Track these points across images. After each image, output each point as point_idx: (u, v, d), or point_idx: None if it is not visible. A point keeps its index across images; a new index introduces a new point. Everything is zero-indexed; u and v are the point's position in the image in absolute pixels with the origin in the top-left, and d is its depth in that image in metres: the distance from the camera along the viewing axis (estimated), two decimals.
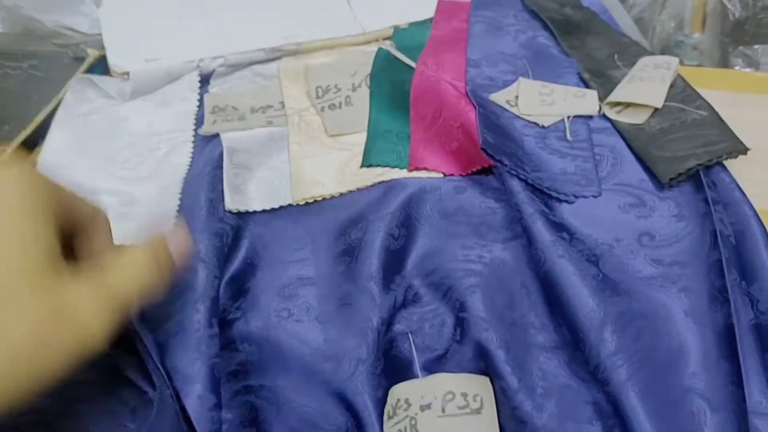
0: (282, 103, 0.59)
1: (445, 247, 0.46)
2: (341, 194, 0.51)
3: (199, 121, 0.58)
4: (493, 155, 0.48)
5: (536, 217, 0.45)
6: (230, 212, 0.49)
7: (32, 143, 0.57)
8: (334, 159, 0.53)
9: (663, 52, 0.71)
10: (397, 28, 0.68)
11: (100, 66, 0.65)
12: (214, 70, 0.63)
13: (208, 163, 0.52)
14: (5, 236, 0.28)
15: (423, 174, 0.51)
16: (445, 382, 0.39)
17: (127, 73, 0.61)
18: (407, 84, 0.57)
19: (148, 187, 0.52)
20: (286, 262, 0.47)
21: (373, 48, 0.62)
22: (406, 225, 0.47)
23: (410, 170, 0.51)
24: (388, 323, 0.43)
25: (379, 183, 0.50)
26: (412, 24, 0.69)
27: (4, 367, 0.26)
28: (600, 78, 0.57)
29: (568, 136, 0.52)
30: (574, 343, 0.41)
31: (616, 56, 0.59)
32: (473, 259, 0.45)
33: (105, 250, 0.34)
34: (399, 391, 0.39)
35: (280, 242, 0.48)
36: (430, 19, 0.69)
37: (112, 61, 0.62)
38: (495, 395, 0.39)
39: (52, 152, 0.54)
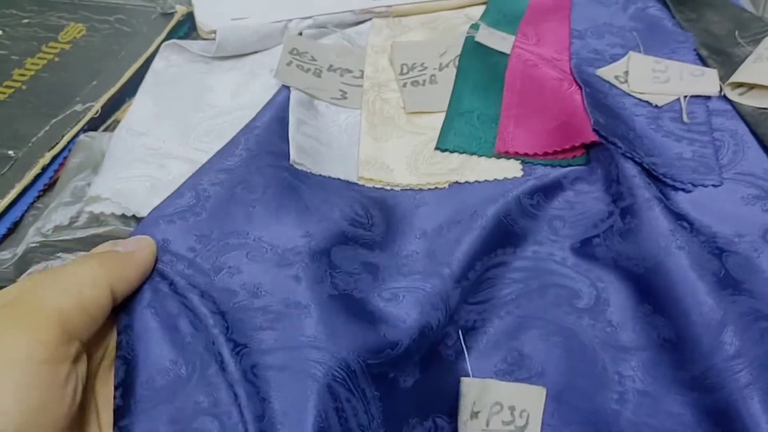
0: (362, 71, 0.56)
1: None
2: (410, 187, 0.47)
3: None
4: (606, 137, 0.44)
5: (654, 203, 0.41)
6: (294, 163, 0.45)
7: (120, 101, 0.56)
8: (407, 143, 0.50)
9: None
10: None
11: (188, 22, 0.63)
12: (301, 33, 0.61)
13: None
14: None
15: (498, 173, 0.46)
16: (498, 389, 0.38)
17: (214, 32, 0.59)
18: (501, 66, 0.53)
19: None
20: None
21: (467, 23, 0.58)
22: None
23: (497, 151, 0.47)
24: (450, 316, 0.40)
25: (454, 183, 0.46)
26: None
27: None
28: (719, 56, 0.52)
29: (685, 118, 0.48)
30: (666, 344, 0.39)
31: (737, 32, 0.54)
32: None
33: None
34: (467, 386, 0.38)
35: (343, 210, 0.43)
36: None
37: (200, 18, 0.61)
38: None
39: (135, 119, 0.53)
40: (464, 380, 0.39)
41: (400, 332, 0.37)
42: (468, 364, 0.39)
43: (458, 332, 0.40)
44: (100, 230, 0.47)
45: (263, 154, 0.44)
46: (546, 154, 0.47)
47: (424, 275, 0.40)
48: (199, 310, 0.35)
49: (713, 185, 0.44)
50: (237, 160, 0.43)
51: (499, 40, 0.55)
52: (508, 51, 0.54)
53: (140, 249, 0.36)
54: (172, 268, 0.36)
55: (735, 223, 0.42)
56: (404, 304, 0.38)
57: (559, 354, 0.40)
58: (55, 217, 0.47)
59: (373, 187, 0.47)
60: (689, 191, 0.44)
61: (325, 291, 0.38)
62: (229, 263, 0.38)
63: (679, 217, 0.42)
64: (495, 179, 0.46)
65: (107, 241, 0.47)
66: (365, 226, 0.43)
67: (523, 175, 0.46)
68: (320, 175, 0.45)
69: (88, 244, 0.46)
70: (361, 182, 0.47)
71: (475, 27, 0.57)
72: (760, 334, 0.37)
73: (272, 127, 0.47)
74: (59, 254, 0.46)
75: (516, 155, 0.47)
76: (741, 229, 0.42)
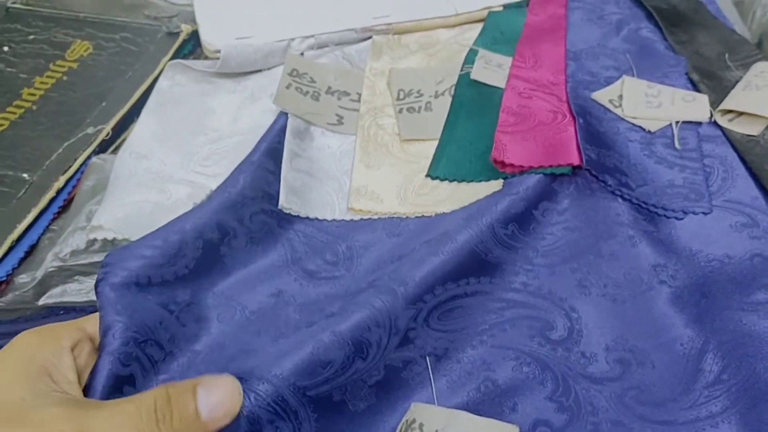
0: (359, 94, 0.58)
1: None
2: (397, 215, 0.49)
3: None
4: (597, 175, 0.46)
5: (637, 240, 0.44)
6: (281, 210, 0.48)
7: (128, 121, 0.57)
8: (400, 172, 0.52)
9: (762, 39, 0.67)
10: (491, 11, 0.66)
11: (192, 41, 0.64)
12: (303, 53, 0.62)
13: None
14: None
15: (489, 190, 0.47)
16: (468, 424, 0.36)
17: (219, 51, 0.60)
18: (496, 96, 0.55)
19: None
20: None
21: (465, 51, 0.60)
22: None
23: (493, 158, 0.48)
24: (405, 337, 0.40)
25: (439, 215, 0.48)
26: (506, 6, 0.66)
27: None
28: (711, 80, 0.55)
29: (677, 144, 0.50)
30: (642, 375, 0.39)
31: (726, 55, 0.56)
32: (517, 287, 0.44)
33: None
34: (419, 411, 0.37)
35: (319, 253, 0.47)
36: (525, 2, 0.67)
37: (205, 38, 0.62)
38: None
39: (139, 141, 0.55)
40: (417, 406, 0.38)
41: (332, 351, 0.36)
42: (434, 392, 0.39)
43: (426, 359, 0.40)
44: None
45: (256, 199, 0.47)
46: (532, 167, 0.48)
47: (376, 291, 0.40)
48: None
49: (703, 212, 0.46)
50: (226, 202, 0.46)
51: (495, 71, 0.57)
52: (503, 86, 0.56)
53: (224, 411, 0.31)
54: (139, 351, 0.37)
55: (724, 246, 0.44)
56: (344, 320, 0.38)
57: (533, 386, 0.40)
58: (71, 241, 0.49)
59: (361, 219, 0.49)
60: (680, 219, 0.46)
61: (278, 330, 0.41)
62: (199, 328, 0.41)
63: (665, 247, 0.44)
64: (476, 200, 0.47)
65: None
66: (337, 271, 0.45)
67: (501, 189, 0.47)
68: (307, 217, 0.48)
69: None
70: (349, 215, 0.49)
71: (471, 56, 0.58)
72: (739, 360, 0.39)
73: (264, 165, 0.49)
74: (76, 277, 0.48)
75: (511, 166, 0.48)
76: (729, 251, 0.44)
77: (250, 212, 0.46)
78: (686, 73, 0.56)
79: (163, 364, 0.38)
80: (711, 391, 0.38)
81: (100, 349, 0.36)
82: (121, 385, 0.35)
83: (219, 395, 0.30)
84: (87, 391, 0.34)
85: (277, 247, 0.47)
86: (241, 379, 0.33)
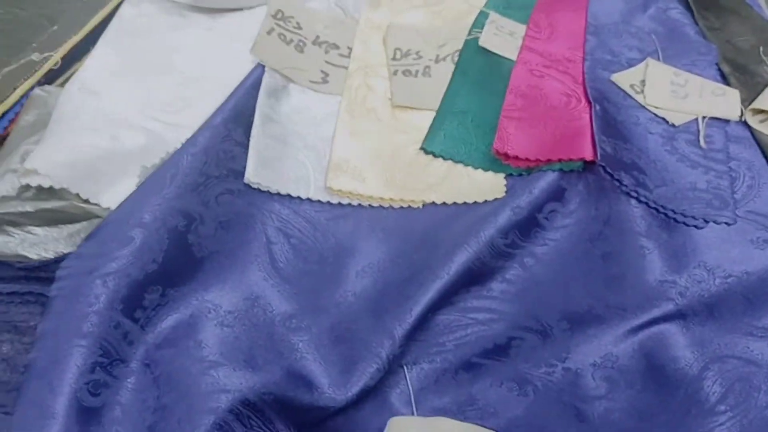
0: (350, 49, 0.51)
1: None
2: (381, 203, 0.44)
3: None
4: (612, 173, 0.42)
5: (647, 250, 0.40)
6: (248, 185, 0.42)
7: (83, 50, 0.50)
8: (387, 143, 0.46)
9: None
10: None
11: None
12: None
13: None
14: None
15: (478, 195, 0.43)
16: (448, 428, 0.36)
17: None
18: (505, 67, 0.49)
19: (182, 137, 0.44)
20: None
21: (473, 13, 0.53)
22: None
23: (495, 149, 0.44)
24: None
25: (429, 204, 0.44)
26: None
27: None
28: (743, 74, 0.49)
29: (702, 143, 0.45)
30: (635, 394, 0.38)
31: (761, 49, 0.51)
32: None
33: None
34: (397, 425, 0.36)
35: (297, 250, 0.42)
36: None
37: None
38: None
39: (91, 74, 0.47)
40: (395, 420, 0.36)
41: (337, 400, 0.36)
42: (412, 402, 0.38)
43: (404, 371, 0.38)
44: (50, 204, 0.42)
45: (220, 178, 0.42)
46: (539, 161, 0.44)
47: (371, 332, 0.38)
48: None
49: (726, 223, 0.41)
50: (187, 184, 0.40)
51: (506, 40, 0.51)
52: (514, 57, 0.50)
53: None
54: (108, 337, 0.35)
55: (742, 262, 0.40)
56: (346, 370, 0.37)
57: (513, 398, 0.38)
58: (1, 185, 0.42)
59: (339, 203, 0.43)
60: (701, 227, 0.41)
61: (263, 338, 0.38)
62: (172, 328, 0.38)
63: (678, 261, 0.40)
64: (475, 202, 0.43)
65: (58, 216, 0.43)
66: (319, 279, 0.41)
67: (505, 196, 0.43)
68: (278, 193, 0.43)
69: (37, 218, 0.41)
70: (327, 194, 0.43)
71: (481, 19, 0.52)
72: (743, 391, 0.36)
73: (231, 134, 0.44)
74: (4, 227, 0.41)
75: (515, 159, 0.44)
76: (749, 267, 0.40)
77: (215, 194, 0.41)
78: (716, 63, 0.50)
79: (131, 375, 0.36)
80: (703, 421, 0.35)
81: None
82: (89, 416, 0.33)
83: None
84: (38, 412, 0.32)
85: (249, 236, 0.42)
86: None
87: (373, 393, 0.37)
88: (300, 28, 0.51)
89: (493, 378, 0.39)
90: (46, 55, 0.47)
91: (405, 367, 0.39)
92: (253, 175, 0.42)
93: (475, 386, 0.38)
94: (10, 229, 0.41)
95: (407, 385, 0.38)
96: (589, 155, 0.42)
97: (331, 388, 0.36)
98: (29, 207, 0.41)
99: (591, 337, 0.39)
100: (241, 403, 0.34)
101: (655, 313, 0.38)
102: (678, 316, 0.38)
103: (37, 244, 0.41)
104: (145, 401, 0.35)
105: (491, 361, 0.39)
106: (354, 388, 0.36)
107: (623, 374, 0.38)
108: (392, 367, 0.38)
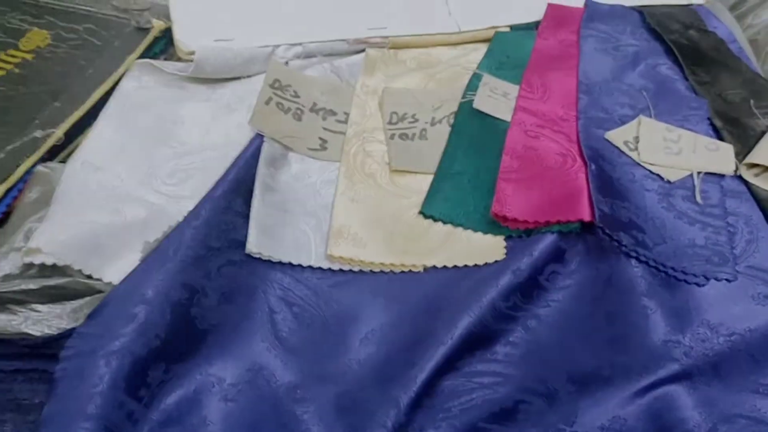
0: (347, 115, 0.52)
1: None
2: (382, 269, 0.44)
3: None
4: (610, 234, 0.42)
5: (650, 310, 0.40)
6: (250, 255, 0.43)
7: (84, 125, 0.50)
8: (387, 208, 0.46)
9: None
10: (497, 31, 0.60)
11: (165, 39, 0.58)
12: (287, 63, 0.56)
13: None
14: None
15: (479, 257, 0.44)
16: None
17: (194, 53, 0.54)
18: (499, 129, 0.50)
19: (183, 209, 0.45)
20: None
21: (467, 75, 0.54)
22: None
23: (493, 212, 0.44)
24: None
25: (430, 268, 0.44)
26: (513, 27, 0.61)
27: None
28: (735, 127, 0.50)
29: (698, 198, 0.45)
30: None
31: (752, 101, 0.52)
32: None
33: None
34: None
35: (300, 319, 0.42)
36: (534, 24, 0.61)
37: (179, 36, 0.56)
38: None
39: (93, 149, 0.48)
40: None
41: None
42: None
43: None
44: (53, 281, 0.42)
45: (222, 250, 0.42)
46: (537, 223, 0.44)
47: (377, 401, 0.37)
48: None
49: (727, 279, 0.41)
50: (189, 257, 0.41)
51: (500, 101, 0.51)
52: (508, 118, 0.50)
53: None
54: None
55: (745, 319, 0.40)
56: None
57: None
58: (4, 264, 0.42)
59: (340, 270, 0.44)
60: (702, 285, 0.41)
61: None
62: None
63: (681, 320, 0.40)
64: (475, 264, 0.43)
65: (61, 292, 0.43)
66: (322, 347, 0.41)
67: (505, 258, 0.43)
68: (279, 261, 0.43)
69: (40, 295, 0.42)
70: (328, 262, 0.44)
71: (475, 81, 0.53)
72: None
73: (231, 205, 0.44)
74: (8, 306, 0.42)
75: (514, 221, 0.44)
76: (751, 324, 0.40)
77: (217, 265, 0.41)
78: (708, 118, 0.51)
79: None
80: None
81: None
82: None
83: None
84: None
85: (252, 307, 0.42)
86: None
87: None
88: (298, 96, 0.52)
89: None
90: (48, 131, 0.48)
91: None
92: (254, 245, 0.42)
93: None
94: (14, 307, 0.41)
95: None
96: (586, 216, 0.42)
97: None
98: (33, 285, 0.41)
99: (598, 399, 0.38)
100: None
101: (661, 373, 0.38)
102: (684, 376, 0.38)
103: (40, 321, 0.42)
104: None
105: (499, 426, 0.39)
106: None
107: None
108: None
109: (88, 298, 0.42)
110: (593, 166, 0.45)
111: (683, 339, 0.39)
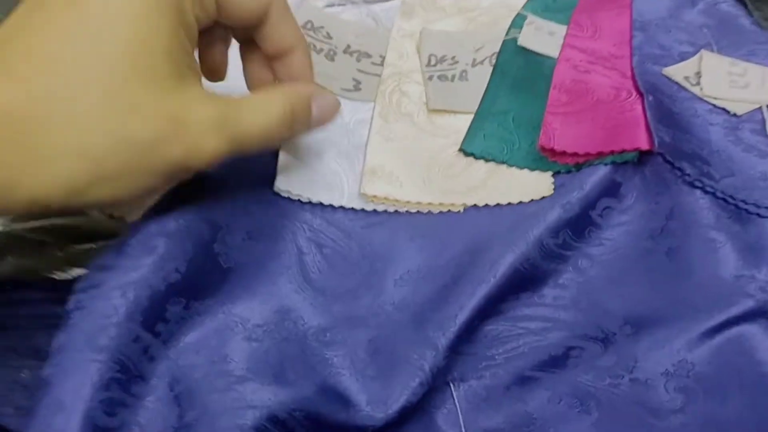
0: (383, 57, 0.49)
1: None
2: (419, 208, 0.41)
3: None
4: (672, 162, 0.38)
5: (719, 243, 0.36)
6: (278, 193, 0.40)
7: None
8: (424, 147, 0.43)
9: None
10: None
11: None
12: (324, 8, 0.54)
13: None
14: (114, 27, 0.26)
15: (524, 194, 0.40)
16: None
17: None
18: (546, 66, 0.46)
19: None
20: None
21: (510, 17, 0.51)
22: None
23: (540, 145, 0.41)
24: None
25: (471, 207, 0.40)
26: None
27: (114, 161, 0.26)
28: None
29: None
30: (714, 409, 0.33)
31: None
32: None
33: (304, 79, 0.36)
34: None
35: (331, 261, 0.39)
36: None
37: None
38: None
39: None
40: None
41: (376, 418, 0.32)
42: (461, 423, 0.34)
43: (450, 388, 0.35)
44: (70, 220, 0.40)
45: (248, 187, 0.40)
46: (589, 155, 0.40)
47: (412, 343, 0.35)
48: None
49: None
50: (214, 194, 0.38)
51: (546, 39, 0.48)
52: (555, 55, 0.47)
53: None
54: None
55: None
56: (386, 385, 0.33)
57: (575, 416, 0.34)
58: None
59: (374, 210, 0.40)
60: None
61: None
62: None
63: (756, 253, 0.36)
64: (520, 202, 0.40)
65: (79, 232, 0.41)
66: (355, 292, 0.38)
67: (553, 194, 0.40)
68: (309, 201, 0.40)
69: (57, 235, 0.40)
70: (362, 202, 0.41)
71: (519, 21, 0.49)
72: None
73: None
74: (26, 247, 0.40)
75: (562, 155, 0.41)
76: None
77: (242, 203, 0.39)
78: None
79: (150, 393, 0.33)
80: None
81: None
82: None
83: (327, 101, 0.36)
84: None
85: (280, 247, 0.39)
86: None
87: (416, 413, 0.34)
88: (330, 37, 0.49)
89: (551, 393, 0.35)
90: None
91: (452, 385, 0.35)
92: (283, 183, 0.40)
93: (531, 403, 0.35)
94: (33, 249, 0.40)
95: (455, 405, 0.35)
96: (645, 145, 0.39)
97: (370, 405, 0.33)
98: (47, 222, 0.40)
99: (661, 342, 0.34)
100: (269, 420, 0.31)
101: (734, 311, 0.34)
102: (760, 314, 0.34)
103: (61, 264, 0.40)
104: (166, 420, 0.32)
105: (547, 374, 0.35)
106: (395, 405, 0.32)
107: (701, 384, 0.33)
108: (437, 384, 0.34)
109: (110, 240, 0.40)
110: (651, 98, 0.41)
111: (758, 274, 0.35)
